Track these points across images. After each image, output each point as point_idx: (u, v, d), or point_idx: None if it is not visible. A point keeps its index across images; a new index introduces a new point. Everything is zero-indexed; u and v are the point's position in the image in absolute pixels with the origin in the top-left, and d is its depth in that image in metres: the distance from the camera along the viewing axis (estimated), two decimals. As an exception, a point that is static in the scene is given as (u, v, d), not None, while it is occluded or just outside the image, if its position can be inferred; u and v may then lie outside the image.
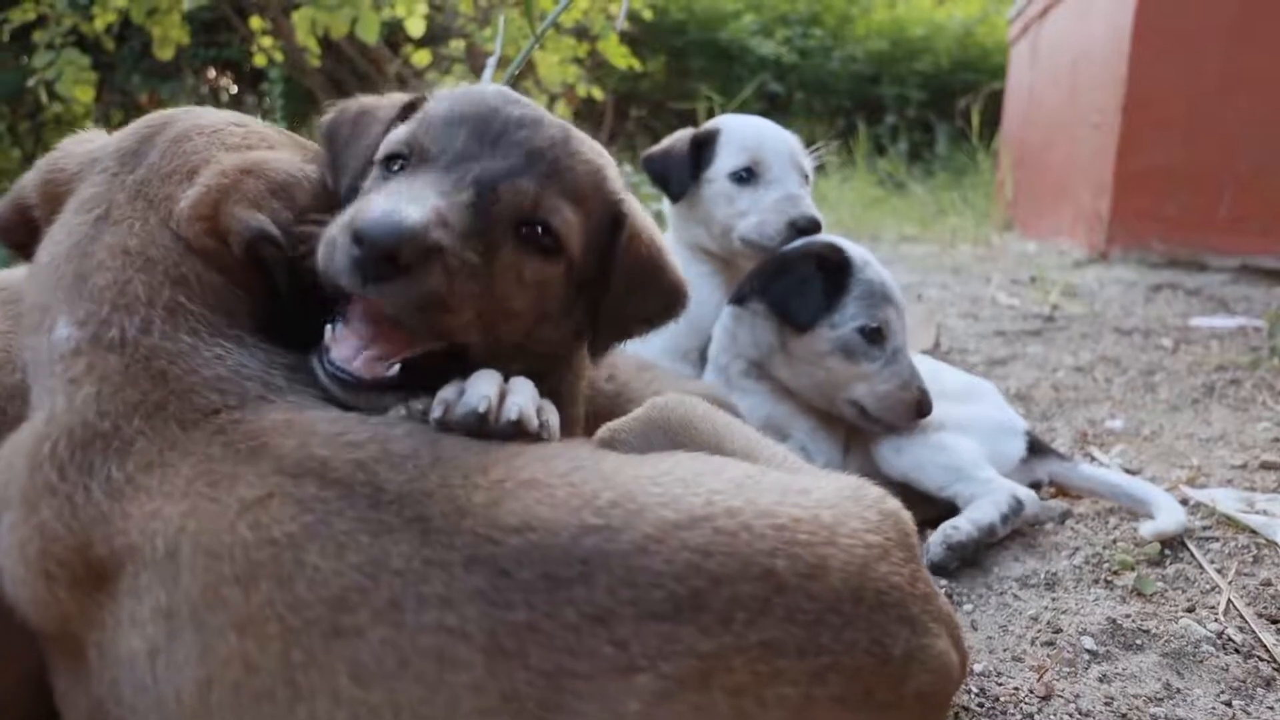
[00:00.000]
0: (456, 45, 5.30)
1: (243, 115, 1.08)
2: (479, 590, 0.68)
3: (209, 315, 0.90)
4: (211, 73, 6.56)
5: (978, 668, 1.22)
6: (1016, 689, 1.17)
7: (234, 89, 6.90)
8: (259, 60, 4.97)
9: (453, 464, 0.77)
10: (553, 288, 1.00)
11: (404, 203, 0.84)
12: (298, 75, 5.31)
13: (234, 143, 1.00)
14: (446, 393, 0.87)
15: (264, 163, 0.97)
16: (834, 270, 1.68)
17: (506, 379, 0.92)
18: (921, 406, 1.65)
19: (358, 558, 0.70)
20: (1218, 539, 1.58)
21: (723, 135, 1.92)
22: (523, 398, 0.88)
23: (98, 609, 0.76)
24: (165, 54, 4.00)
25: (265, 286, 0.96)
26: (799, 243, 1.76)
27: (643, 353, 1.79)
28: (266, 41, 4.94)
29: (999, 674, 1.21)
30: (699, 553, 0.71)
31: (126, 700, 0.75)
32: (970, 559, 1.52)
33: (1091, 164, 4.49)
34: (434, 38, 5.12)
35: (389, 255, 0.82)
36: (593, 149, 1.05)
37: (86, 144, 1.03)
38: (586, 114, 6.85)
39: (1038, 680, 1.18)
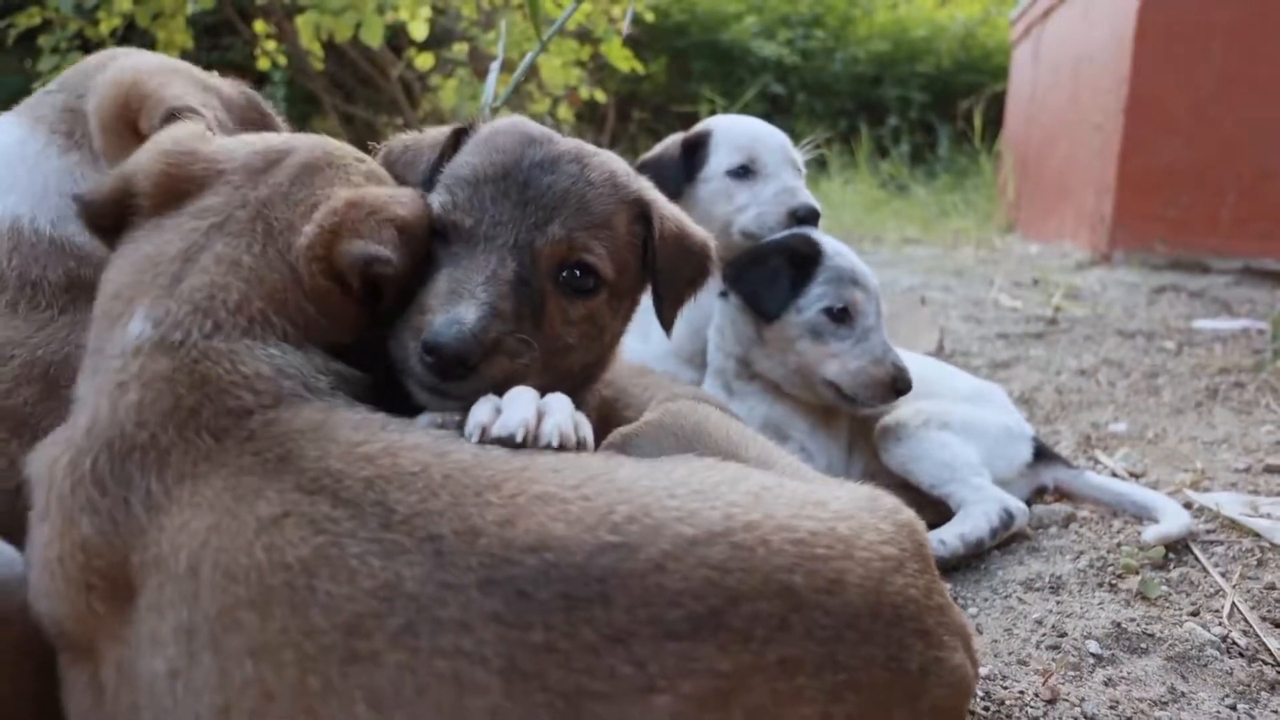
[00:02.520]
0: (460, 48, 5.31)
1: (359, 151, 1.09)
2: (495, 613, 0.68)
3: (288, 328, 0.89)
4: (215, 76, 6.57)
5: (983, 671, 1.23)
6: (1022, 692, 1.18)
7: (237, 92, 6.90)
8: (263, 64, 4.97)
9: (463, 479, 0.76)
10: (598, 312, 1.08)
11: (461, 307, 0.95)
12: (301, 79, 5.33)
13: (356, 180, 1.01)
14: (482, 413, 0.89)
15: (365, 193, 0.97)
16: (804, 261, 1.69)
17: (542, 394, 0.94)
18: (897, 382, 1.63)
19: (370, 582, 0.70)
20: (1222, 542, 1.58)
21: (715, 136, 1.93)
22: (561, 416, 0.90)
23: (124, 624, 0.76)
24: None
25: (361, 320, 0.96)
26: (776, 236, 1.77)
27: (646, 356, 1.80)
28: (270, 45, 4.95)
29: (1004, 677, 1.22)
30: (717, 569, 0.71)
31: None
32: (953, 568, 1.53)
33: (1094, 166, 4.50)
34: (437, 41, 5.13)
35: (459, 361, 0.92)
36: (602, 163, 1.10)
37: (206, 143, 0.99)
38: (588, 116, 6.87)
39: (1043, 684, 1.19)
